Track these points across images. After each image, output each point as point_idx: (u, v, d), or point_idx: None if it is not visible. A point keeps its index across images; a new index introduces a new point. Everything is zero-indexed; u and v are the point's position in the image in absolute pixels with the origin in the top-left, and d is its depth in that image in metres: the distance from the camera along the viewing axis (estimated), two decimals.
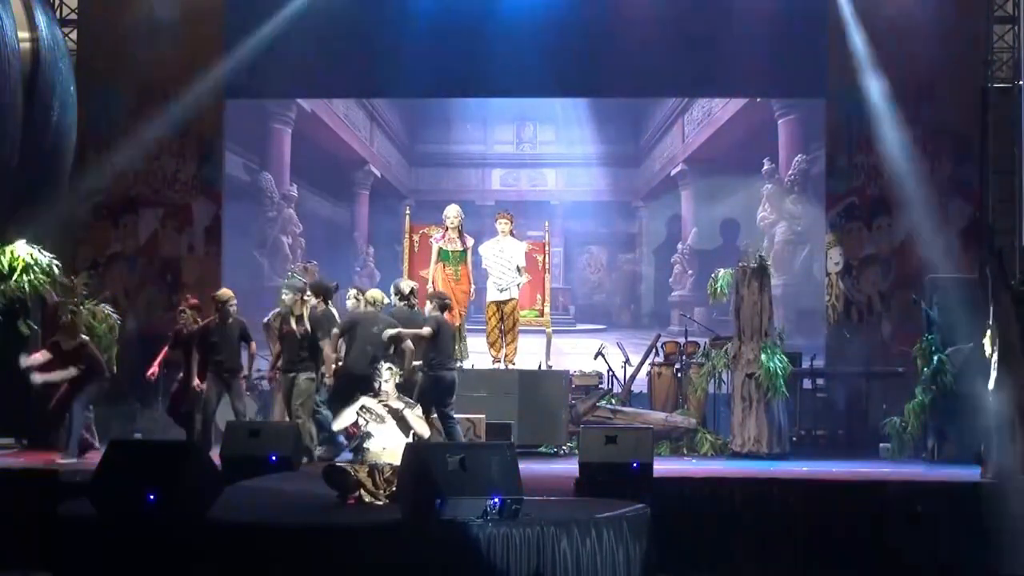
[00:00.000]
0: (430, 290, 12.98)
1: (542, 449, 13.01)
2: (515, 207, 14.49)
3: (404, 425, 8.94)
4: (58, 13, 15.90)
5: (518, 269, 13.00)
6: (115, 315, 13.46)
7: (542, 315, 13.76)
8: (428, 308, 11.78)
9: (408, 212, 14.17)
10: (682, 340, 14.83)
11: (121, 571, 7.22)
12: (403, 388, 10.10)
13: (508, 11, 16.01)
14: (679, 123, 17.30)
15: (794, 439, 13.69)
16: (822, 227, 16.10)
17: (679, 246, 17.06)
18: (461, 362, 13.08)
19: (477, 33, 15.97)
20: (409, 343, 11.45)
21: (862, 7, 15.71)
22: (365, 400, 9.13)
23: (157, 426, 13.88)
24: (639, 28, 15.91)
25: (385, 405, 9.09)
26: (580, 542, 7.39)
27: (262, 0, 16.36)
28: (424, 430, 9.04)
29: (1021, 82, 15.49)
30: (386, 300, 12.26)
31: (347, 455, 10.70)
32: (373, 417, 8.92)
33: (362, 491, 8.30)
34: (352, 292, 12.53)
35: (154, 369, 12.51)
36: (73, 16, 16.37)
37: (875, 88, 15.35)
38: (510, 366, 13.06)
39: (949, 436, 12.51)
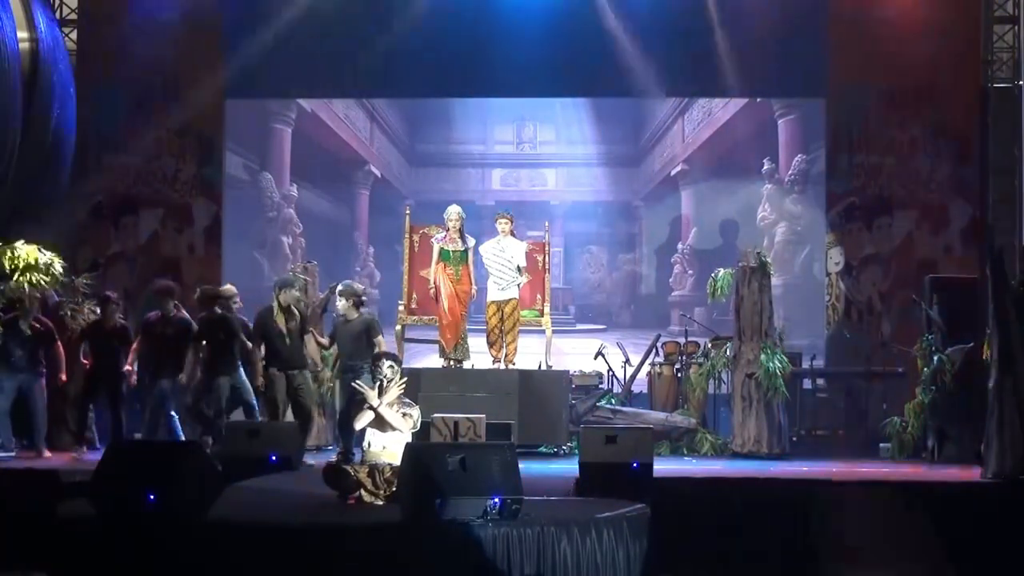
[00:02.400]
0: (432, 290, 13.01)
1: (542, 449, 13.00)
2: (515, 207, 14.48)
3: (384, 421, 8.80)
4: (58, 13, 15.91)
5: (518, 269, 13.00)
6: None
7: (542, 315, 13.76)
8: (343, 305, 11.99)
9: (408, 212, 14.17)
10: (682, 340, 14.82)
11: (121, 571, 7.21)
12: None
13: (508, 11, 16.02)
14: (679, 123, 17.29)
15: (794, 439, 13.68)
16: (822, 227, 16.11)
17: (679, 246, 17.06)
18: (461, 361, 13.12)
19: (477, 33, 15.98)
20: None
21: (862, 7, 15.73)
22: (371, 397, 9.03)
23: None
24: (639, 28, 15.92)
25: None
26: (580, 542, 7.37)
27: (262, 0, 16.39)
28: (401, 425, 8.82)
29: (1021, 82, 15.51)
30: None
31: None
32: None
33: (362, 491, 8.29)
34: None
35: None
36: (73, 16, 16.39)
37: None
38: (510, 366, 13.05)
39: (949, 436, 12.50)
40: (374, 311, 12.12)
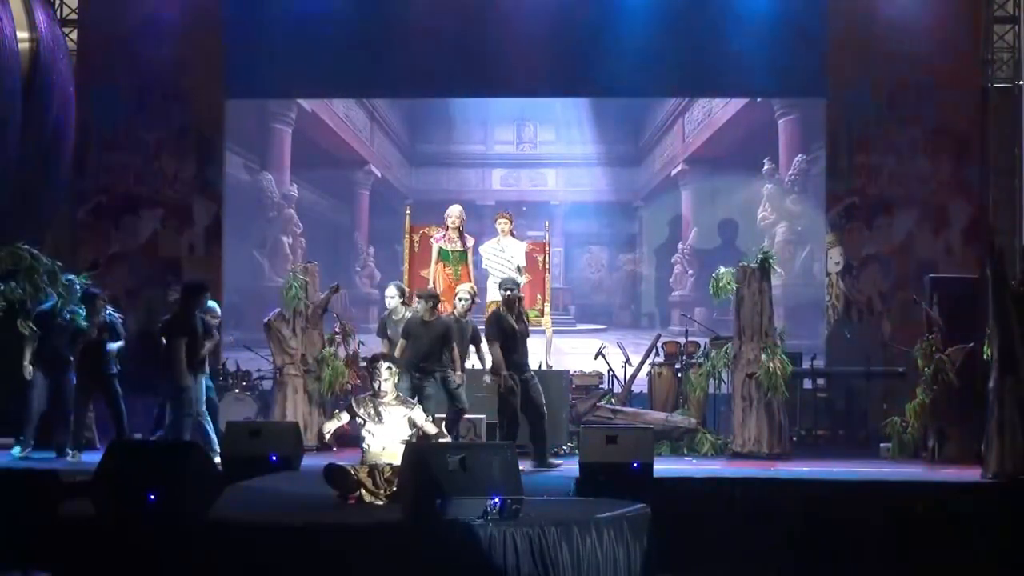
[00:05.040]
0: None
1: None
2: (515, 207, 14.51)
3: (406, 424, 8.86)
4: (58, 13, 15.91)
5: (518, 269, 13.00)
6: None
7: (542, 315, 13.76)
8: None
9: (408, 212, 14.17)
10: (682, 340, 14.81)
11: (121, 571, 7.22)
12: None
13: (508, 11, 16.02)
14: (679, 123, 17.31)
15: (794, 439, 13.68)
16: (822, 227, 16.11)
17: (679, 246, 17.07)
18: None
19: (477, 33, 15.98)
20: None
21: (862, 7, 15.74)
22: (358, 400, 9.06)
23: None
24: (639, 28, 15.91)
25: (381, 405, 8.98)
26: (580, 542, 7.38)
27: (262, 0, 16.39)
28: (431, 429, 8.98)
29: (1021, 82, 15.52)
30: None
31: None
32: (369, 417, 8.87)
33: (362, 491, 8.30)
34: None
35: None
36: (73, 16, 16.38)
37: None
38: None
39: (949, 436, 12.49)
40: (374, 311, 12.09)
